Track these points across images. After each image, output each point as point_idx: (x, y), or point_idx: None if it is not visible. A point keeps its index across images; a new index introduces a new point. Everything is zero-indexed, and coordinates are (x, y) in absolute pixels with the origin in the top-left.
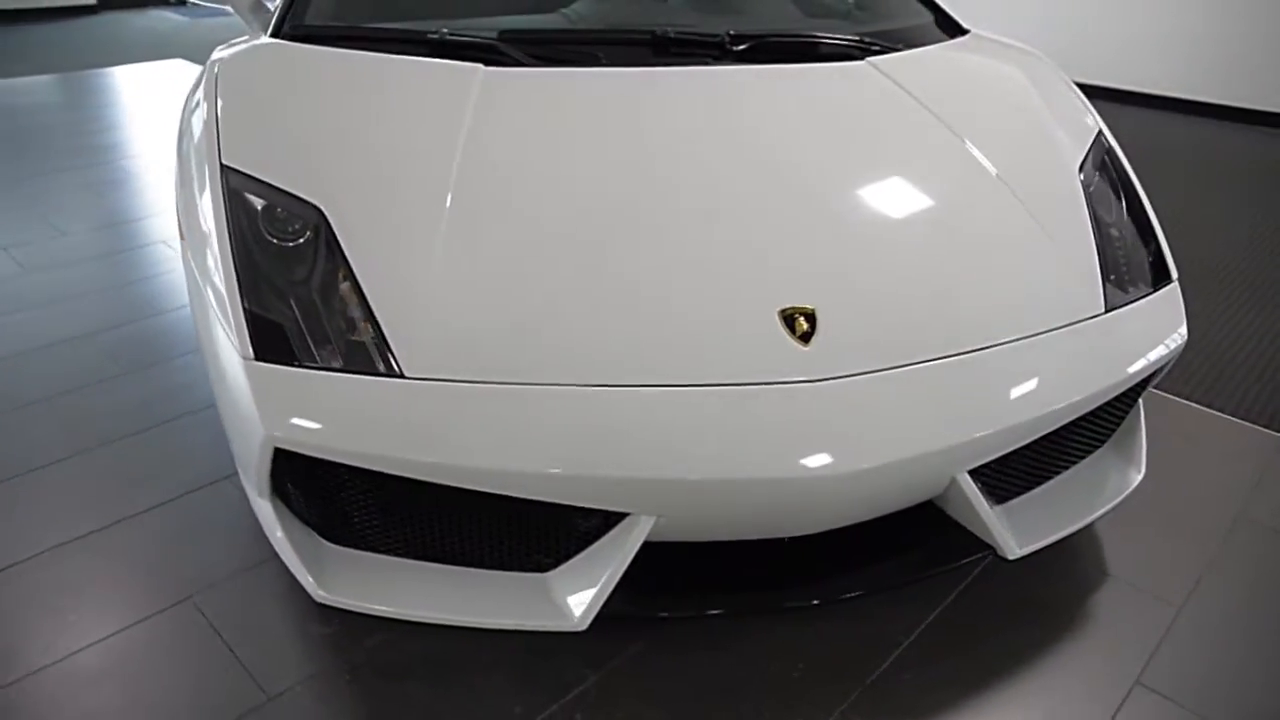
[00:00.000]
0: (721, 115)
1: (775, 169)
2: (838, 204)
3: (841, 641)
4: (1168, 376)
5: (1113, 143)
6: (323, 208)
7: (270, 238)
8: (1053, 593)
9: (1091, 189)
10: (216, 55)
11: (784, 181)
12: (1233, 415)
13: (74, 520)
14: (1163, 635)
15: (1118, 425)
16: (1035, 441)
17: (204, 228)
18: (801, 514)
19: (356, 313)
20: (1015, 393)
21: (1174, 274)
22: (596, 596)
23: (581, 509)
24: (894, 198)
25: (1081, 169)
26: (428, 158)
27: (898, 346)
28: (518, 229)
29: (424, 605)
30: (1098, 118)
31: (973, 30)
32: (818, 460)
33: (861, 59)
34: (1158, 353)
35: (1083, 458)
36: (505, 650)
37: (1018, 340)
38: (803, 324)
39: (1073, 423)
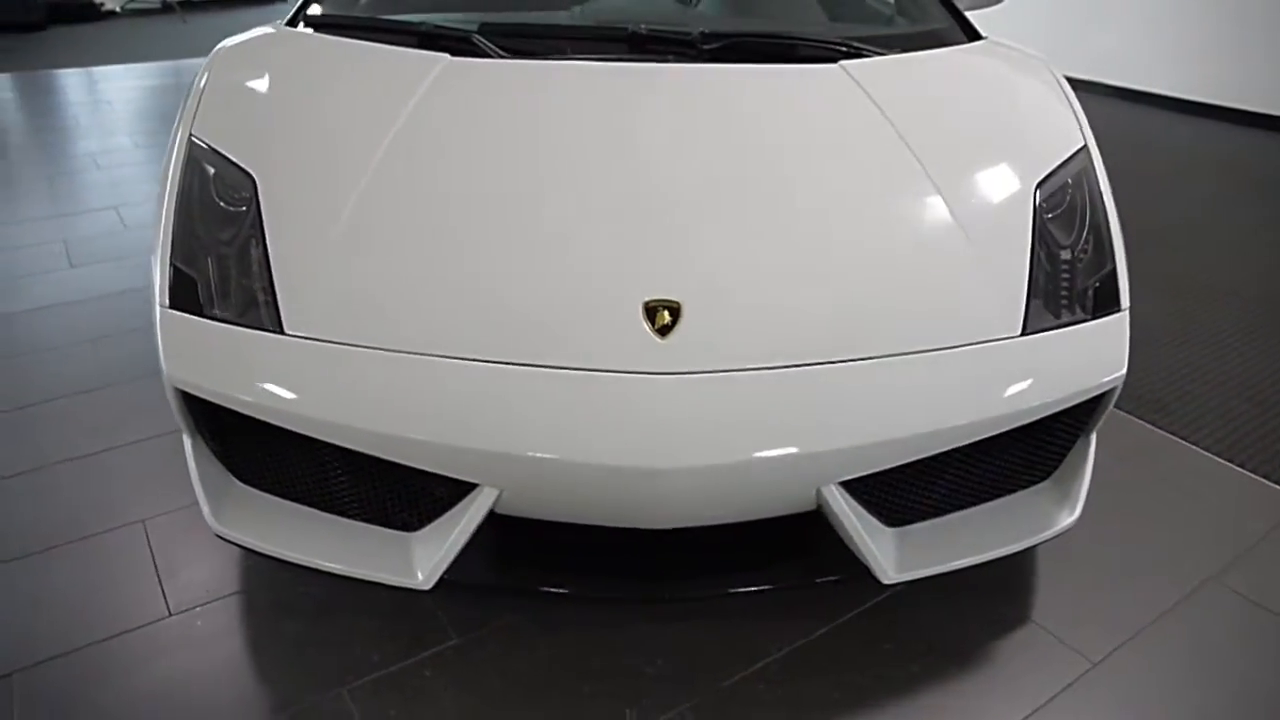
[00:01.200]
0: (658, 111)
1: (690, 166)
2: (743, 203)
3: (712, 644)
4: (1187, 421)
5: (1095, 161)
6: (256, 177)
7: (219, 201)
8: (957, 629)
9: (1051, 207)
10: (227, 39)
11: (694, 178)
12: (1250, 471)
13: (78, 442)
14: (1060, 690)
15: (1056, 461)
16: (935, 466)
17: (163, 188)
18: (638, 505)
19: (260, 273)
20: (890, 407)
21: (1124, 304)
22: (440, 559)
23: (438, 475)
24: (810, 201)
25: (1043, 184)
26: (360, 138)
27: (769, 349)
28: (417, 207)
29: (297, 548)
30: (1087, 134)
31: (988, 37)
32: (651, 452)
33: (835, 62)
34: (1078, 384)
35: (1011, 491)
36: (386, 603)
37: (907, 354)
38: (665, 316)
39: (987, 451)
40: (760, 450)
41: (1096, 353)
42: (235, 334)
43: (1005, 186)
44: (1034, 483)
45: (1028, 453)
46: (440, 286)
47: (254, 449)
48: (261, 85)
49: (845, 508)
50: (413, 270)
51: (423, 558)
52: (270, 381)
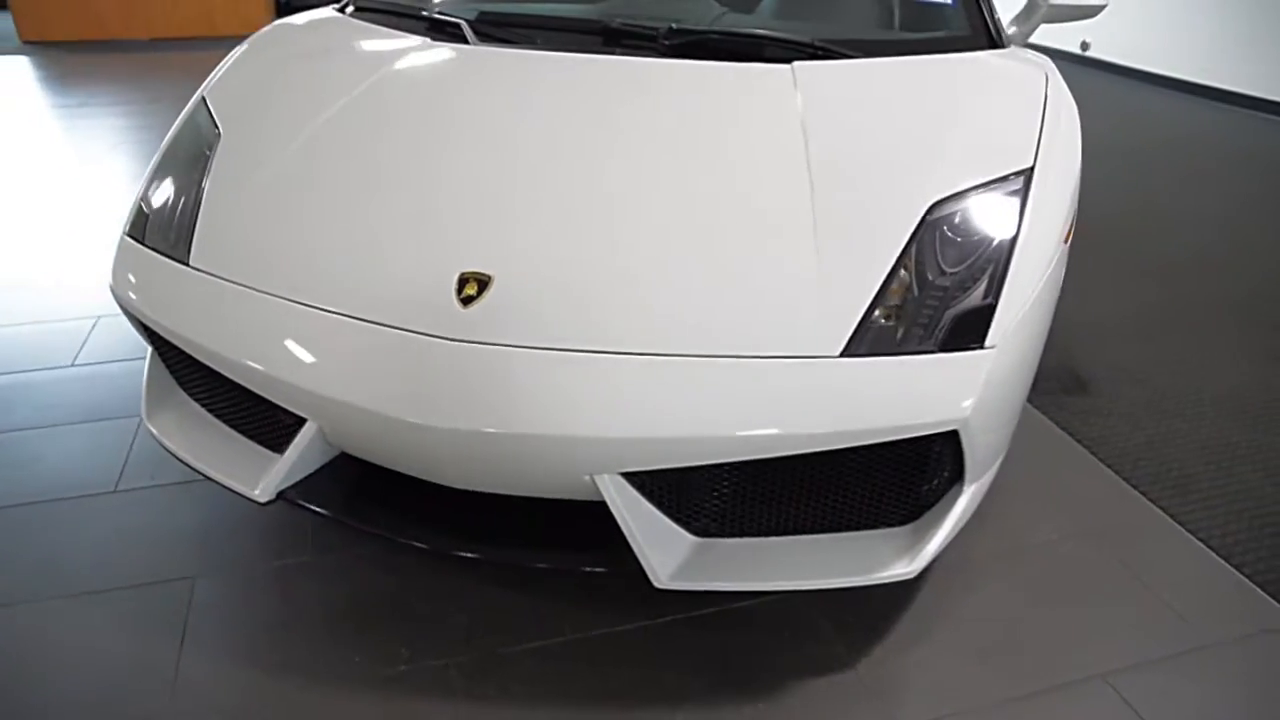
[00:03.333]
0: (574, 100)
1: (571, 154)
2: (599, 192)
3: (517, 612)
4: (1204, 505)
5: (1040, 188)
6: (222, 132)
7: (205, 151)
8: (767, 658)
9: (954, 227)
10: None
11: (565, 165)
12: (1247, 575)
13: (126, 349)
14: None
15: (908, 504)
16: (752, 481)
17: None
18: (420, 459)
19: (191, 213)
20: (672, 406)
21: (990, 342)
22: (273, 477)
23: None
24: (670, 197)
25: (946, 202)
26: (311, 107)
27: (564, 332)
28: (316, 170)
29: (188, 450)
30: (1049, 158)
31: (1011, 46)
32: (423, 410)
33: (787, 63)
34: (897, 417)
35: (853, 527)
36: (279, 515)
37: (706, 356)
38: (472, 288)
39: (812, 476)
40: (527, 426)
41: (931, 388)
42: (156, 261)
43: (888, 202)
44: (886, 524)
45: (863, 488)
46: (306, 241)
47: (181, 361)
48: (271, 57)
49: (619, 500)
50: (290, 224)
51: (269, 475)
52: (168, 304)
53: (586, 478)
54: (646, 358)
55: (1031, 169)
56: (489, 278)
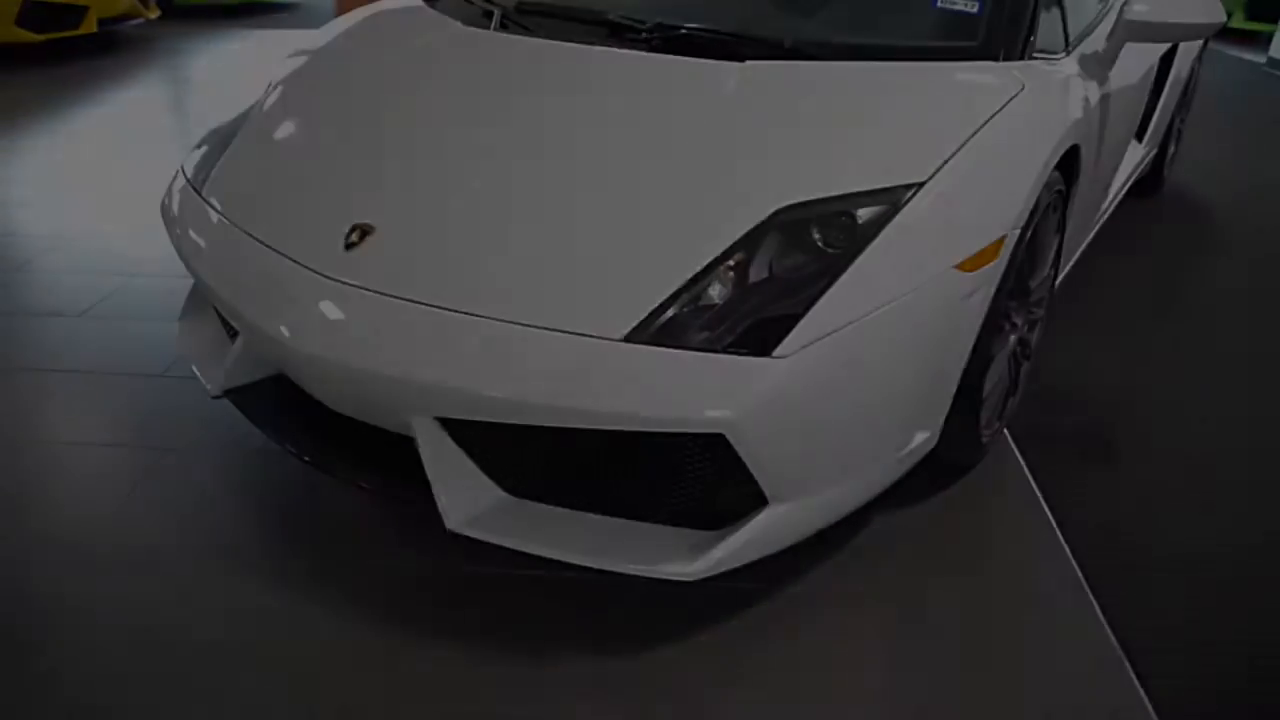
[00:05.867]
0: (525, 83)
1: (490, 128)
2: (493, 167)
3: (391, 532)
4: (1161, 607)
5: (914, 206)
6: (270, 92)
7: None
8: (552, 626)
9: (802, 232)
10: None
11: (481, 137)
12: (1142, 680)
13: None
14: None
15: (704, 511)
16: (566, 453)
17: None
18: (295, 371)
19: (221, 152)
20: (476, 364)
21: (778, 352)
22: (218, 375)
23: None
24: (551, 178)
25: (803, 207)
26: (339, 74)
27: (414, 285)
28: (305, 128)
29: (187, 348)
30: (954, 177)
31: (1029, 61)
32: (288, 328)
33: (742, 61)
34: (661, 410)
35: (660, 521)
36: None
37: (513, 324)
38: (356, 236)
39: (614, 460)
40: (355, 360)
41: (699, 388)
42: (185, 190)
43: (738, 199)
44: (695, 526)
45: (656, 481)
46: (268, 183)
47: None
48: (335, 34)
49: (424, 440)
50: (264, 169)
51: (217, 374)
52: (179, 223)
53: (405, 417)
54: (462, 316)
55: (920, 184)
56: (372, 229)
